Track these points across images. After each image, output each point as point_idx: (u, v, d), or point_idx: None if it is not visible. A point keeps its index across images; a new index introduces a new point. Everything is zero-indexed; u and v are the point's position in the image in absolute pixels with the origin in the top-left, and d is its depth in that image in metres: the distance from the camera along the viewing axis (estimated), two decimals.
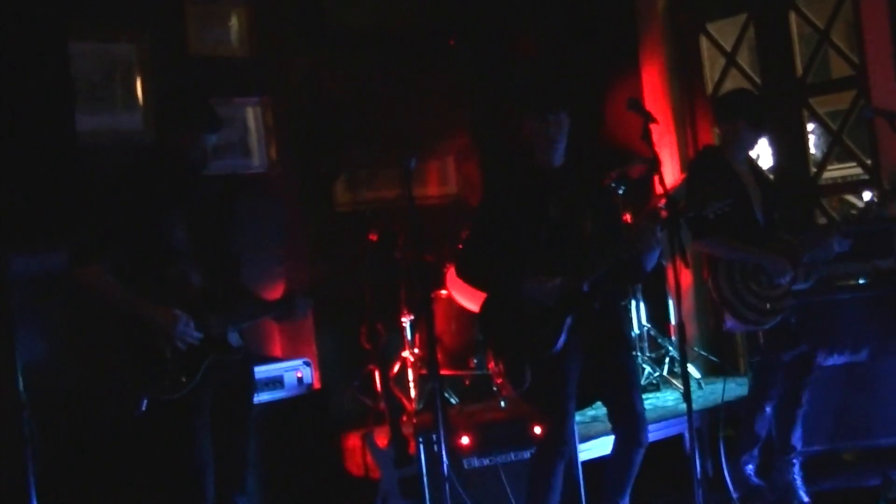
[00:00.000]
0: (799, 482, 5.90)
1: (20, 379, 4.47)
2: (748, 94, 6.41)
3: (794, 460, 5.92)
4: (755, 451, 6.05)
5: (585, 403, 5.94)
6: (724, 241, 5.72)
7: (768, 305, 5.70)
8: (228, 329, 4.79)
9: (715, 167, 5.83)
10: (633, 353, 7.02)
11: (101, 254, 4.60)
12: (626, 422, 5.16)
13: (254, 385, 5.10)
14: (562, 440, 5.14)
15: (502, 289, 5.13)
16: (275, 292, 5.84)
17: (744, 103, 5.94)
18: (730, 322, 5.79)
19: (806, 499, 5.90)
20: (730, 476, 6.06)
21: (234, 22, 6.96)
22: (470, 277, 5.31)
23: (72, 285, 4.66)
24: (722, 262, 5.77)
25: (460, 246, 6.86)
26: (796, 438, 5.91)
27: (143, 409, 4.57)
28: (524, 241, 5.07)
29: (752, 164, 6.04)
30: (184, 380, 4.62)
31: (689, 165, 6.54)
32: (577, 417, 5.79)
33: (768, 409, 5.94)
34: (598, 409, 6.64)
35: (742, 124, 5.82)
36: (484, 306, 5.30)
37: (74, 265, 4.64)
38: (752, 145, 5.98)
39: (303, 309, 4.96)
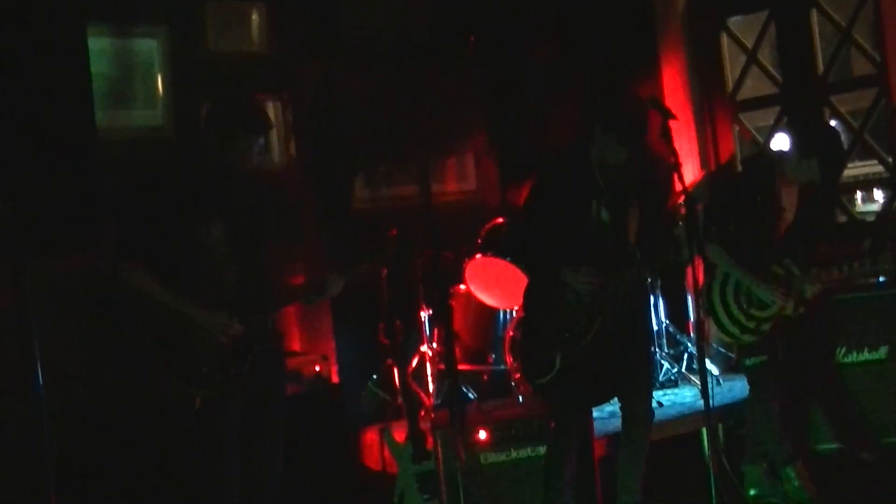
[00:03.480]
0: (807, 482, 5.87)
1: (40, 381, 4.48)
2: (829, 136, 5.96)
3: (795, 465, 5.88)
4: (767, 450, 6.03)
5: (603, 399, 5.94)
6: (723, 254, 5.72)
7: (752, 324, 5.69)
8: (268, 317, 4.82)
9: (760, 175, 5.80)
10: (652, 349, 7.03)
11: (140, 250, 4.61)
12: (633, 420, 5.20)
13: (285, 384, 5.08)
14: (573, 435, 5.16)
15: (543, 272, 5.19)
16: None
17: (824, 145, 5.75)
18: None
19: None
20: (744, 474, 6.06)
21: (254, 19, 6.99)
22: (515, 254, 5.36)
23: (115, 281, 4.65)
24: (719, 271, 5.76)
25: (479, 241, 6.90)
26: (802, 439, 5.88)
27: (198, 407, 4.57)
28: (567, 235, 5.11)
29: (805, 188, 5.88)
30: (233, 373, 4.64)
31: (743, 161, 6.51)
32: (596, 413, 5.81)
33: (776, 409, 5.91)
34: (616, 405, 6.66)
35: (814, 164, 5.68)
36: (528, 289, 5.37)
37: (115, 259, 4.65)
38: (810, 178, 5.78)
39: (337, 284, 4.92)
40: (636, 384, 5.22)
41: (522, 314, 5.62)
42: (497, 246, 6.53)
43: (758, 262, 5.70)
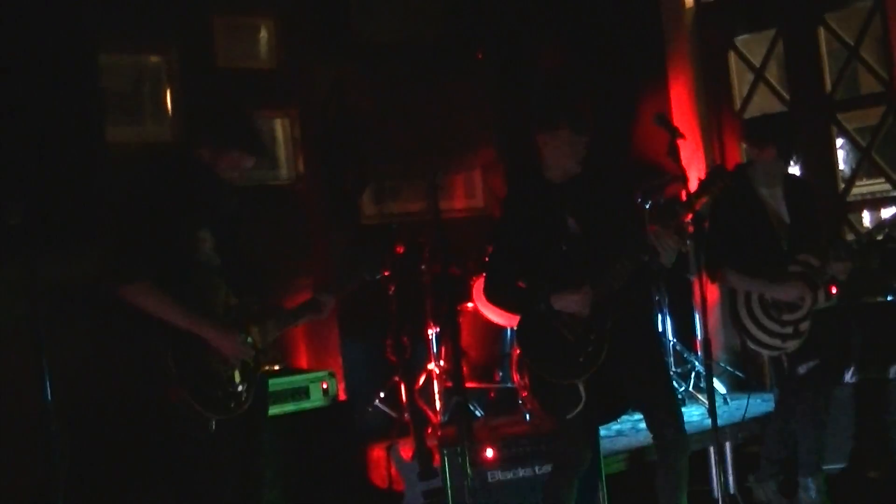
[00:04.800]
0: (824, 499, 5.85)
1: (48, 388, 4.46)
2: (782, 121, 6.24)
3: (818, 477, 5.86)
4: (779, 468, 6.01)
5: (613, 417, 5.92)
6: (732, 276, 5.70)
7: (790, 329, 5.66)
8: (270, 339, 4.77)
9: (735, 186, 5.81)
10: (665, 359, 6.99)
11: (144, 269, 4.46)
12: (666, 448, 5.07)
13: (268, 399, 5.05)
14: (578, 457, 5.10)
15: (533, 308, 5.09)
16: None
17: (777, 131, 5.82)
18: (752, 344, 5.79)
19: None
20: (752, 490, 6.03)
21: (262, 34, 7.01)
22: (500, 301, 5.26)
23: (121, 301, 4.50)
24: (739, 293, 5.74)
25: (487, 258, 6.89)
26: (819, 455, 5.85)
27: (213, 429, 4.49)
28: (545, 257, 5.04)
29: (786, 182, 5.92)
30: (244, 393, 4.58)
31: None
32: (602, 431, 5.78)
33: (792, 426, 5.89)
34: (623, 423, 6.66)
35: (772, 152, 5.75)
36: (520, 328, 5.19)
37: (119, 282, 4.48)
38: (779, 171, 5.86)
39: (326, 306, 4.89)
40: (659, 403, 5.05)
41: (522, 356, 5.47)
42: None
43: (774, 269, 5.68)
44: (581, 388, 4.91)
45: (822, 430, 5.81)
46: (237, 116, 4.82)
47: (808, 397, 5.80)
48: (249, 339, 4.63)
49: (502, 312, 6.29)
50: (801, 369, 5.74)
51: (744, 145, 7.99)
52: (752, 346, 5.75)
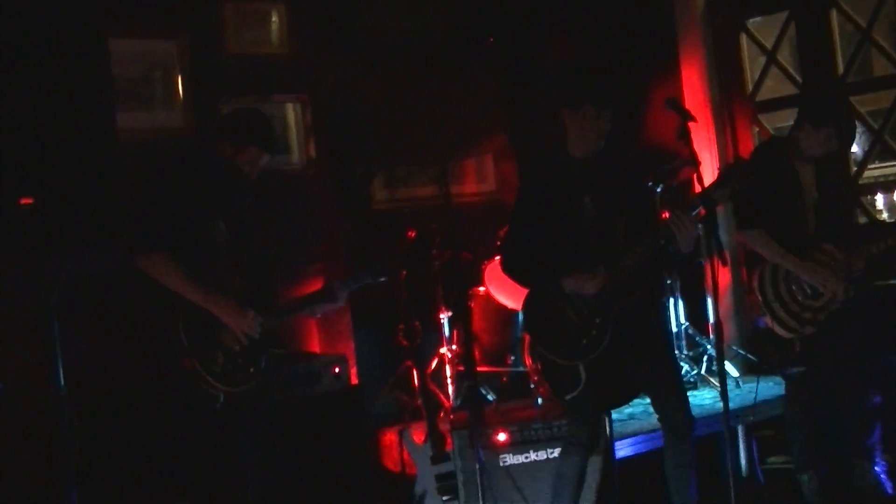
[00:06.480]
0: (884, 478, 5.78)
1: (61, 378, 4.50)
2: (837, 103, 6.12)
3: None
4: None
5: (624, 400, 5.92)
6: (766, 239, 5.66)
7: (809, 314, 5.64)
8: (277, 325, 4.88)
9: (773, 160, 5.76)
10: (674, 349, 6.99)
11: (163, 241, 4.64)
12: (674, 433, 5.09)
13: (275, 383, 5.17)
14: (588, 441, 5.11)
15: (543, 286, 5.10)
16: (312, 287, 5.85)
17: (834, 113, 5.75)
18: (761, 322, 5.74)
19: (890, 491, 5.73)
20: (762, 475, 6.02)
21: (273, 19, 7.00)
22: (513, 273, 5.27)
23: (138, 275, 4.67)
24: (767, 263, 5.70)
25: (498, 243, 6.89)
26: (872, 441, 5.78)
27: (221, 403, 4.63)
28: (560, 235, 5.05)
29: (819, 162, 5.83)
30: (252, 371, 4.72)
31: (752, 153, 6.44)
32: (614, 415, 5.79)
33: (808, 418, 5.83)
34: (635, 407, 6.66)
35: (827, 132, 5.64)
36: (526, 304, 5.24)
37: (138, 251, 4.67)
38: (820, 152, 5.73)
39: (341, 296, 4.98)
40: (667, 387, 5.08)
41: (525, 331, 5.51)
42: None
43: (798, 251, 5.65)
44: (581, 371, 4.93)
45: (807, 430, 5.79)
46: (256, 116, 5.07)
47: (792, 399, 5.79)
48: (259, 319, 4.70)
49: (514, 294, 6.30)
50: (788, 371, 5.73)
51: (755, 128, 7.99)
52: (773, 325, 5.69)
